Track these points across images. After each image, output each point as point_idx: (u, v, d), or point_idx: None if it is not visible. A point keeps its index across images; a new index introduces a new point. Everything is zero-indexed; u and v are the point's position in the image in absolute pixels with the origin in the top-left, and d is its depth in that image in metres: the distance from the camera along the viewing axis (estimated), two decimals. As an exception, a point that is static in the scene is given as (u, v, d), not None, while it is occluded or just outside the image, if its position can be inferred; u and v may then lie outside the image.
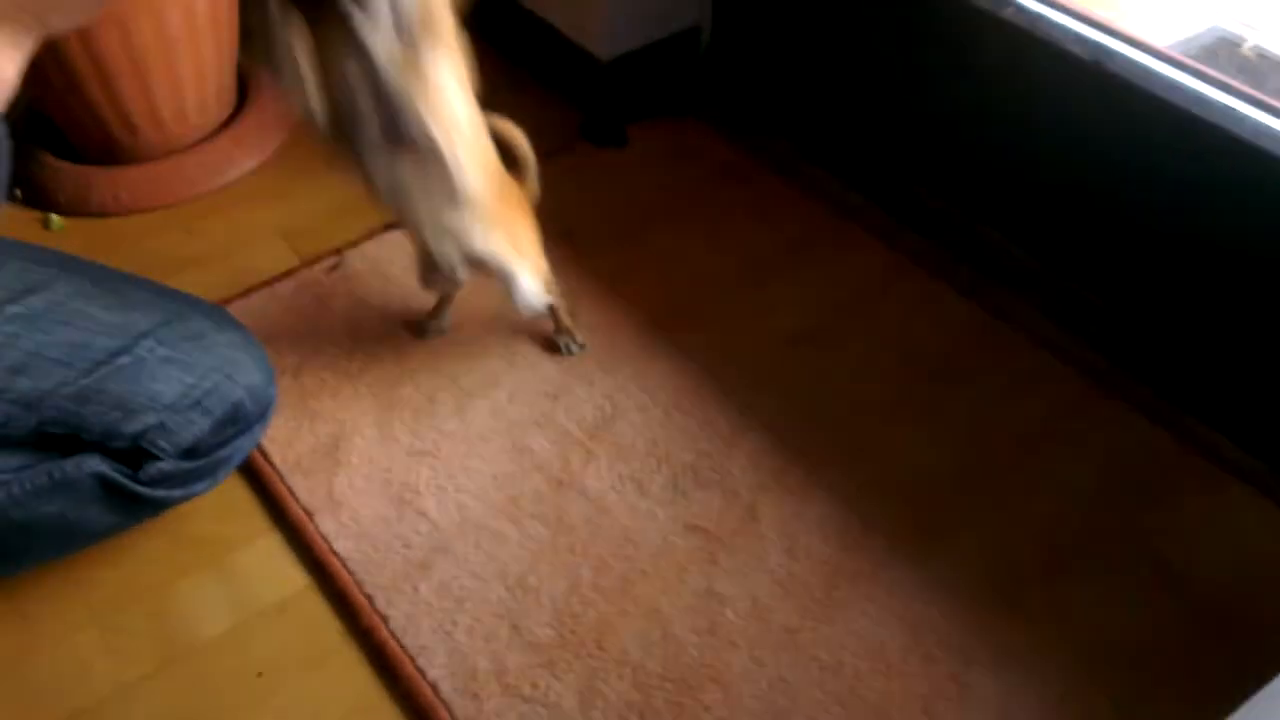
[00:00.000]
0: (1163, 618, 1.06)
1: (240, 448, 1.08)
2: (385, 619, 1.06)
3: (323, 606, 1.08)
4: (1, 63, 0.74)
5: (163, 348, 0.99)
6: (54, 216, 1.52)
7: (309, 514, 1.15)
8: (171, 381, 0.99)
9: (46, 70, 1.40)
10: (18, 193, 1.55)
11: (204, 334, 1.03)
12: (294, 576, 1.11)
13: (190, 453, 1.02)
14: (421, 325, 1.32)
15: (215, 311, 1.08)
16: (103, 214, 1.52)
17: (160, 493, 1.03)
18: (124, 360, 0.97)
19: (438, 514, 1.15)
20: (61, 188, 1.53)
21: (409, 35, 0.91)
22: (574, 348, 1.30)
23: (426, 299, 1.31)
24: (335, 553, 1.11)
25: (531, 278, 1.18)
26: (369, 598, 1.07)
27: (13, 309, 0.93)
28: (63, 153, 1.56)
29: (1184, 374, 1.23)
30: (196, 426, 1.01)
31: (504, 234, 1.13)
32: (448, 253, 1.10)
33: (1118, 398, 1.24)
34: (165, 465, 1.01)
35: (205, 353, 1.02)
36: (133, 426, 0.98)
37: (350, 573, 1.09)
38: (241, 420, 1.05)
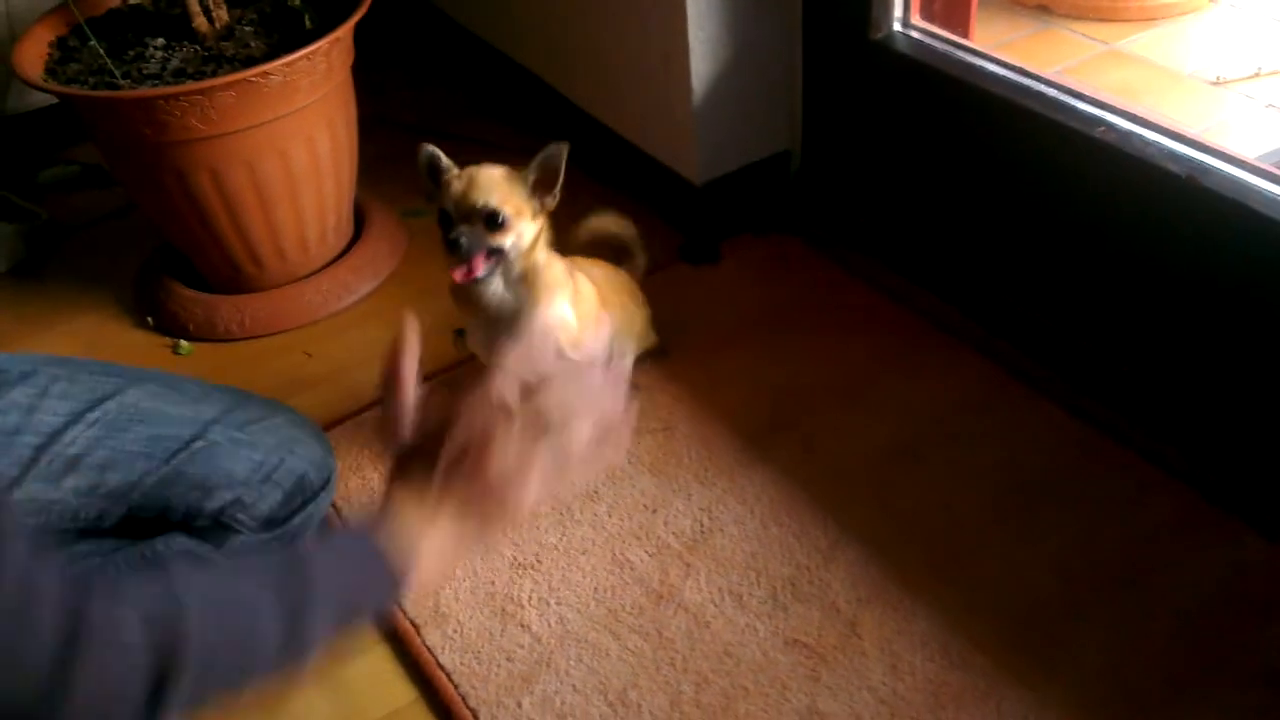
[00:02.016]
0: (1291, 743, 1.01)
1: (311, 515, 1.15)
2: (489, 733, 1.07)
3: (428, 721, 1.10)
4: (435, 575, 0.80)
5: (231, 431, 1.08)
6: (183, 342, 1.62)
7: (416, 627, 1.17)
8: (242, 460, 1.06)
9: (179, 206, 1.51)
10: (150, 320, 1.67)
11: (264, 417, 1.11)
12: (401, 690, 1.13)
13: (267, 524, 1.09)
14: None
15: (267, 400, 1.17)
16: (228, 339, 1.62)
17: None
18: (198, 445, 1.05)
19: (539, 627, 1.17)
20: (190, 315, 1.63)
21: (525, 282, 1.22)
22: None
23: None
24: (441, 666, 1.13)
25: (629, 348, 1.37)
26: (474, 712, 1.09)
27: (92, 415, 1.02)
28: (192, 282, 1.67)
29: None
30: (270, 499, 1.09)
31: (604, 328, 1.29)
32: None
33: (1227, 512, 1.21)
34: (246, 538, 1.09)
35: (268, 433, 1.10)
36: (213, 504, 1.05)
37: (455, 686, 1.11)
38: (308, 489, 1.12)
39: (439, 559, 0.80)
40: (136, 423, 1.05)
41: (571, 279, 1.25)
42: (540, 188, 1.17)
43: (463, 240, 1.13)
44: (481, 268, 1.15)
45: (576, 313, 1.24)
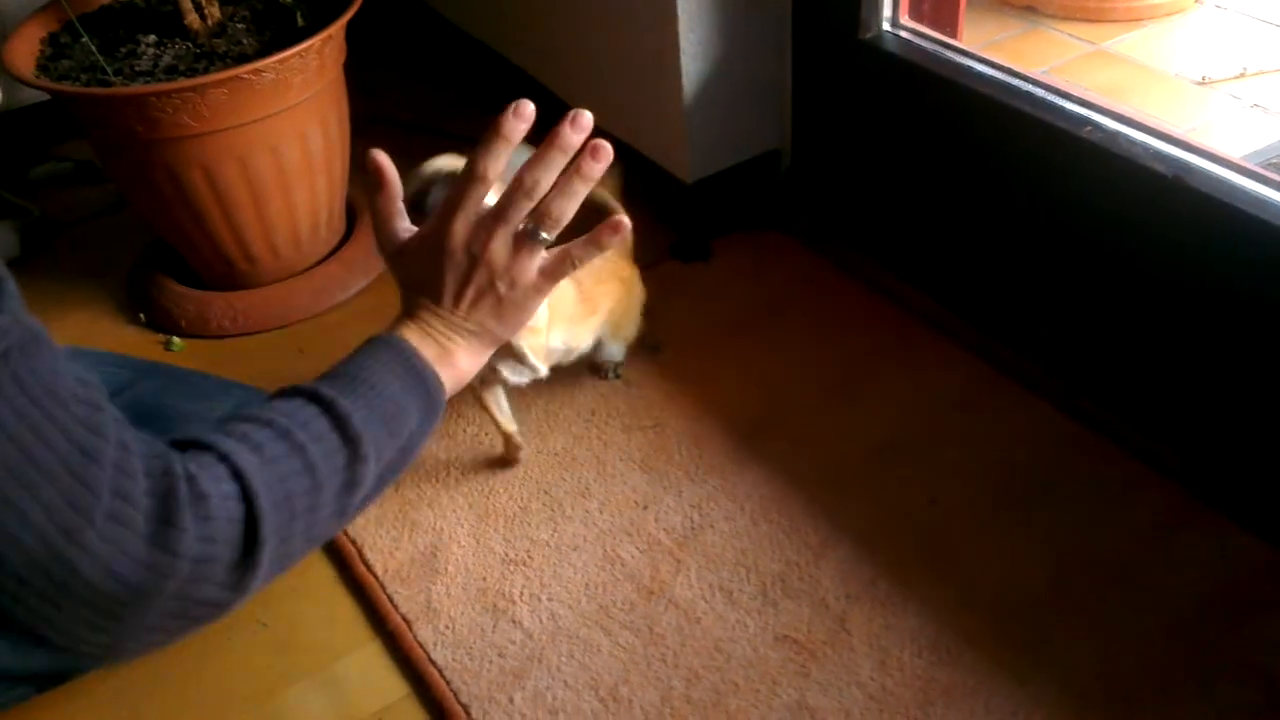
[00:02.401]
0: (1275, 737, 1.02)
1: None
2: (481, 728, 1.07)
3: (422, 716, 1.10)
4: (469, 364, 0.90)
5: None
6: (175, 339, 1.62)
7: (408, 622, 1.18)
8: None
9: (172, 203, 1.51)
10: (142, 317, 1.67)
11: None
12: (394, 685, 1.13)
13: None
14: (509, 461, 1.36)
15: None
16: (220, 335, 1.62)
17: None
18: None
19: (531, 623, 1.17)
20: (183, 311, 1.64)
21: None
22: (612, 375, 1.41)
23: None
24: (433, 661, 1.14)
25: (613, 342, 1.38)
26: (465, 708, 1.10)
27: None
28: (184, 279, 1.67)
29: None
30: None
31: (591, 320, 1.30)
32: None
33: (1219, 509, 1.22)
34: None
35: None
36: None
37: (447, 682, 1.12)
38: None
39: (464, 356, 0.88)
40: (149, 417, 1.04)
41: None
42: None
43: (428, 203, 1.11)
44: None
45: (551, 316, 1.20)
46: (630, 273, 1.38)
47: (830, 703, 1.07)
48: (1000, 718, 1.05)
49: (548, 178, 0.85)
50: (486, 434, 1.40)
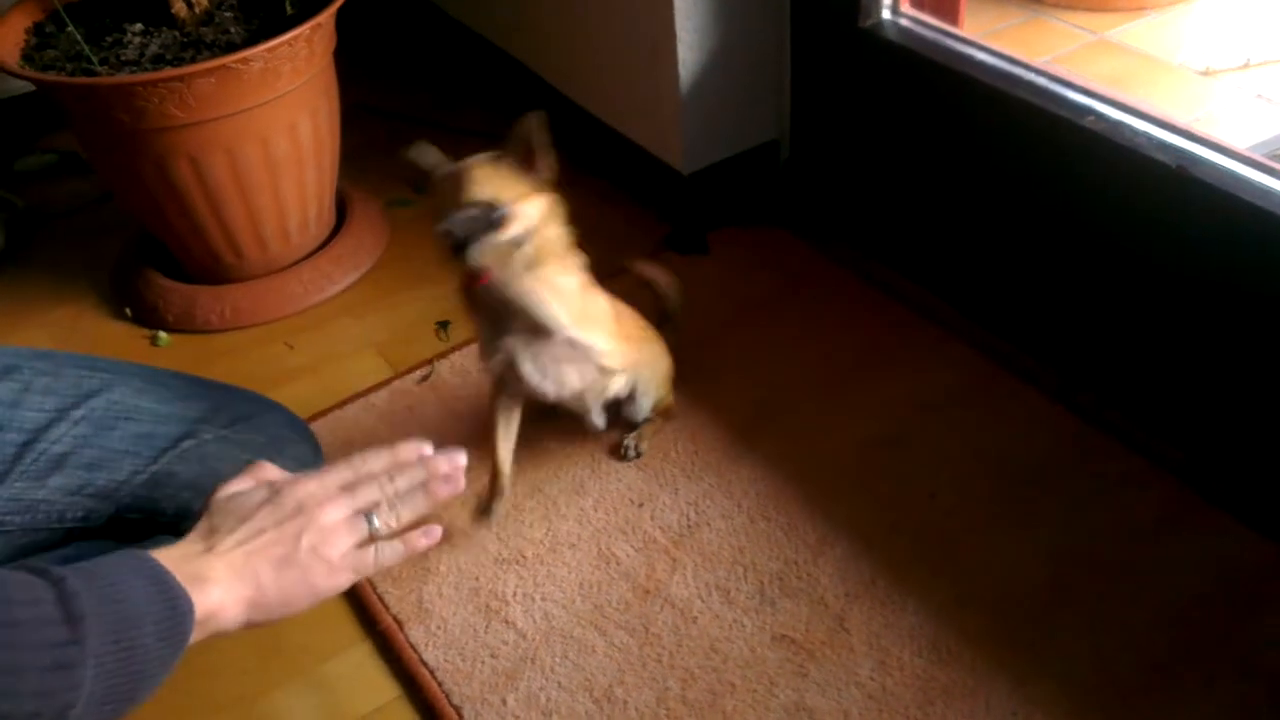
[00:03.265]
0: (1280, 738, 1.00)
1: None
2: (473, 730, 1.06)
3: (413, 718, 1.08)
4: (225, 598, 0.79)
5: (220, 430, 1.06)
6: (161, 334, 1.60)
7: (399, 623, 1.16)
8: (232, 460, 1.04)
9: (158, 195, 1.49)
10: (128, 311, 1.64)
11: (251, 415, 1.09)
12: (385, 687, 1.12)
13: None
14: (485, 506, 1.27)
15: (255, 396, 1.15)
16: (207, 330, 1.60)
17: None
18: (187, 444, 1.04)
19: (524, 623, 1.15)
20: (169, 306, 1.61)
21: (532, 263, 1.10)
22: (633, 454, 1.32)
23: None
24: (424, 663, 1.12)
25: (643, 398, 1.32)
26: (457, 709, 1.08)
27: (77, 413, 1.00)
28: (171, 273, 1.65)
29: (1290, 479, 1.19)
30: None
31: (631, 359, 1.25)
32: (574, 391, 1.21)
33: (1221, 506, 1.20)
34: None
35: (256, 432, 1.08)
36: (203, 505, 1.03)
37: (439, 683, 1.10)
38: None
39: (221, 590, 0.78)
40: (124, 420, 1.03)
41: (580, 279, 1.15)
42: (528, 164, 1.08)
43: (470, 254, 1.04)
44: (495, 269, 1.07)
45: (592, 304, 1.16)
46: (657, 337, 1.33)
47: (829, 703, 1.05)
48: (1000, 717, 1.03)
49: (404, 481, 0.86)
50: (480, 434, 1.37)
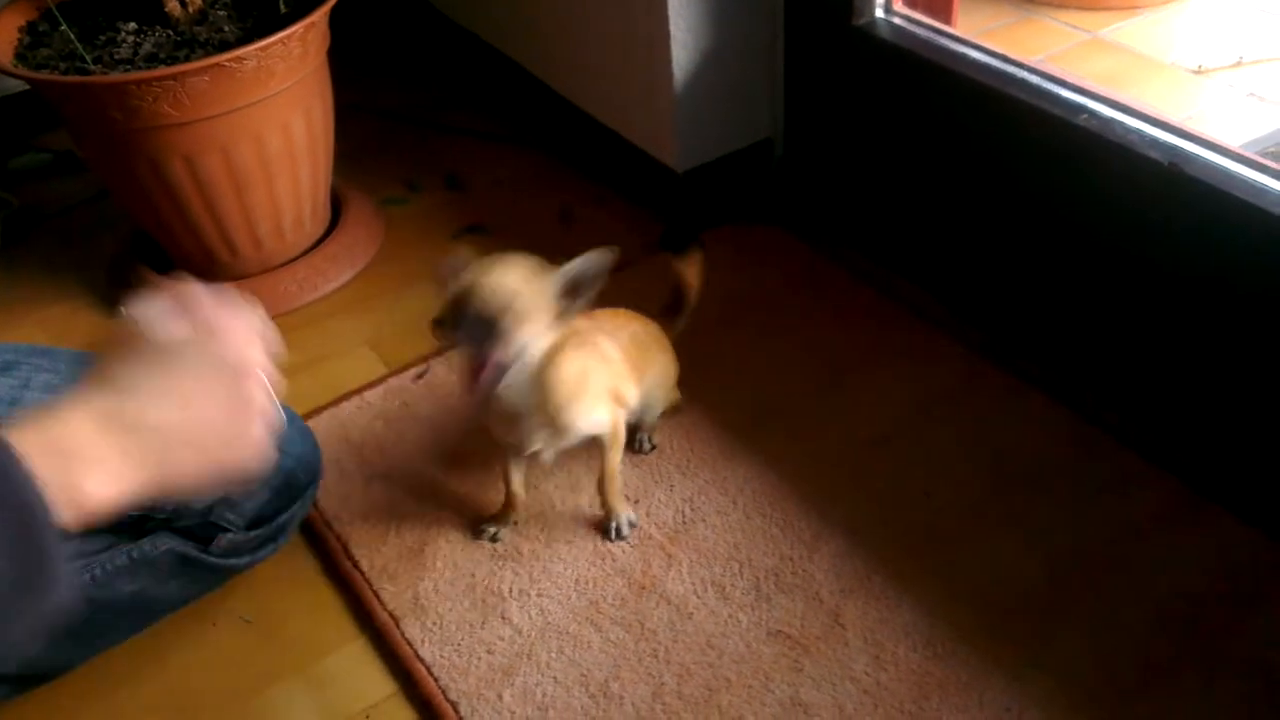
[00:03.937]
0: (1274, 732, 1.01)
1: (296, 514, 1.16)
2: (469, 726, 1.06)
3: (409, 713, 1.08)
4: (98, 483, 0.59)
5: None
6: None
7: (395, 619, 1.16)
8: None
9: (152, 193, 1.49)
10: (123, 309, 1.64)
11: None
12: (381, 683, 1.12)
13: (254, 522, 1.11)
14: (482, 526, 1.25)
15: None
16: (203, 328, 1.59)
17: (231, 561, 1.13)
18: None
19: (520, 618, 1.15)
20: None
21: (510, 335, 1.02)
22: (648, 446, 1.33)
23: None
24: (421, 658, 1.12)
25: (655, 406, 1.31)
26: (454, 705, 1.08)
27: None
28: (166, 270, 1.64)
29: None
30: (258, 498, 1.10)
31: (647, 375, 1.25)
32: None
33: (1218, 503, 1.20)
34: (234, 536, 1.11)
35: None
36: (201, 503, 1.04)
37: (435, 679, 1.10)
38: (295, 488, 1.14)
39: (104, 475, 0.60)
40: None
41: (595, 354, 1.14)
42: (573, 293, 1.03)
43: (461, 326, 1.00)
44: (488, 375, 1.02)
45: (596, 384, 1.15)
46: (665, 339, 1.32)
47: (824, 698, 1.06)
48: (995, 712, 1.03)
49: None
50: (475, 432, 1.38)
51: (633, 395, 1.22)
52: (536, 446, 1.16)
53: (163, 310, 0.69)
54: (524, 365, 1.04)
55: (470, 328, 1.00)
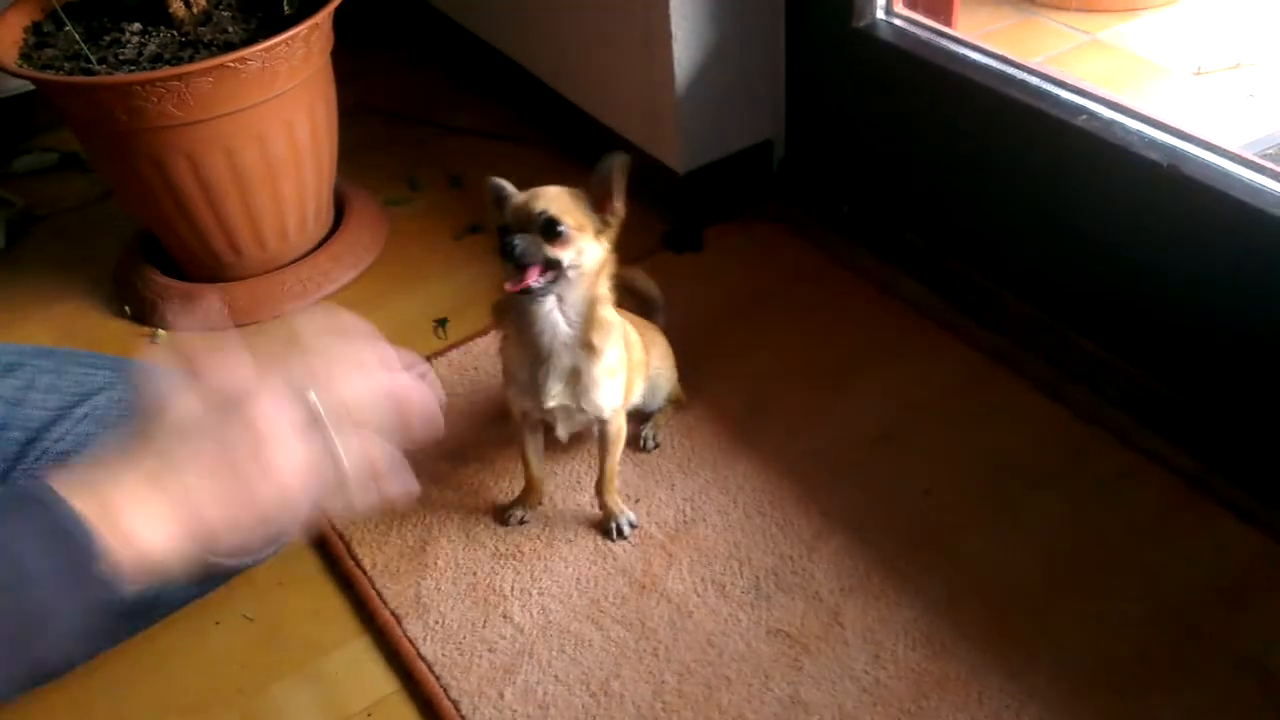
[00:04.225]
0: (1269, 730, 1.01)
1: None
2: (471, 724, 1.06)
3: (411, 711, 1.09)
4: (145, 528, 0.60)
5: None
6: (160, 331, 1.60)
7: (397, 617, 1.17)
8: None
9: (157, 194, 1.49)
10: (127, 309, 1.65)
11: None
12: (383, 681, 1.12)
13: None
14: (508, 512, 1.27)
15: None
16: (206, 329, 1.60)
17: (234, 561, 1.11)
18: None
19: (521, 617, 1.16)
20: (169, 305, 1.62)
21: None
22: (651, 444, 1.34)
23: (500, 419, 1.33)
24: (422, 657, 1.13)
25: (657, 398, 1.34)
26: (455, 703, 1.08)
27: (80, 411, 1.00)
28: (170, 271, 1.65)
29: (1278, 474, 1.19)
30: None
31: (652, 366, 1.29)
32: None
33: (1210, 500, 1.21)
34: None
35: None
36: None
37: (437, 677, 1.11)
38: None
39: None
40: (126, 418, 1.03)
41: (621, 324, 1.17)
42: (601, 205, 1.08)
43: (516, 244, 1.02)
44: (535, 278, 1.04)
45: (627, 346, 1.18)
46: (661, 337, 1.35)
47: (823, 696, 1.06)
48: (994, 710, 1.04)
49: (366, 391, 0.67)
50: (477, 430, 1.38)
51: (639, 391, 1.25)
52: (551, 402, 1.14)
53: (174, 381, 0.66)
54: (581, 274, 1.07)
55: (531, 240, 1.03)
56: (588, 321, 1.10)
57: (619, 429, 1.21)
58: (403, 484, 0.65)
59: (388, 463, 0.64)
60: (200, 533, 0.61)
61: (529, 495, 1.27)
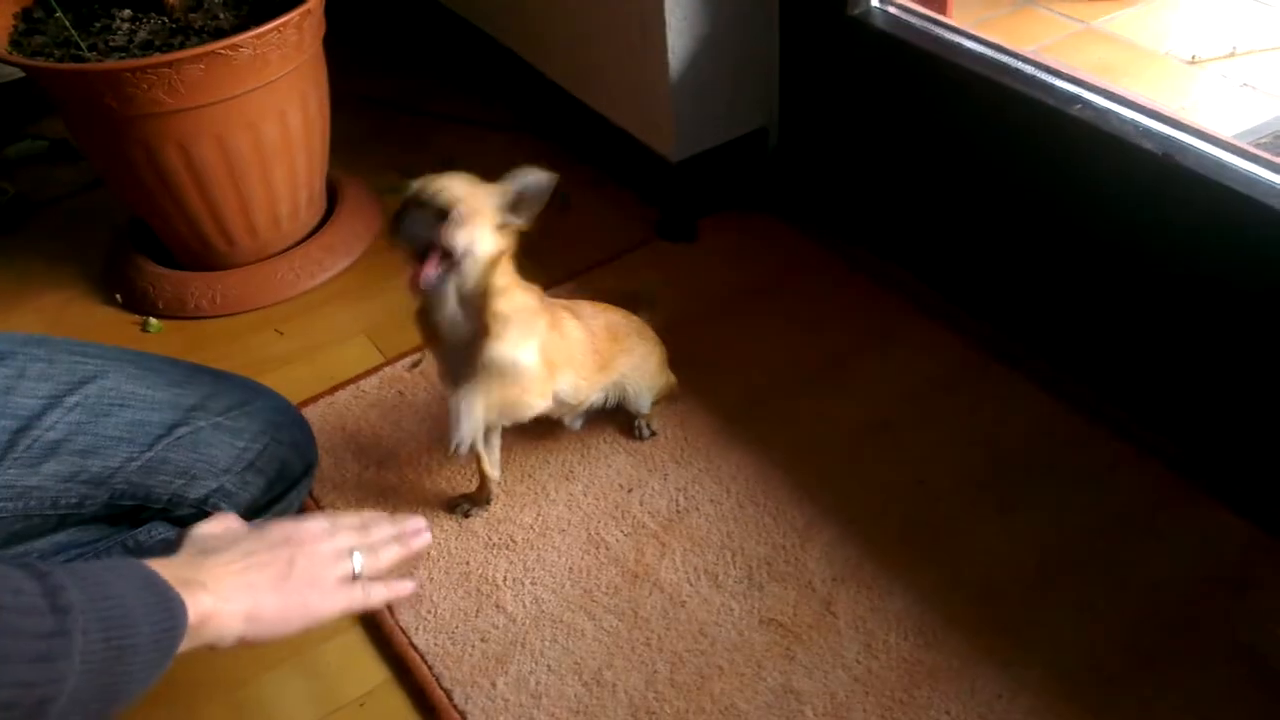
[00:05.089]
0: (1257, 717, 1.01)
1: (291, 501, 1.15)
2: (464, 715, 1.06)
3: (403, 701, 1.09)
4: (219, 605, 0.80)
5: (214, 417, 1.07)
6: (152, 320, 1.60)
7: (389, 607, 1.16)
8: (225, 447, 1.06)
9: (148, 181, 1.48)
10: (118, 297, 1.64)
11: (246, 402, 1.10)
12: (375, 671, 1.12)
13: (250, 511, 1.09)
14: (457, 504, 1.27)
15: (248, 383, 1.15)
16: (198, 316, 1.59)
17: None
18: (181, 431, 1.04)
19: (514, 607, 1.16)
20: (160, 293, 1.61)
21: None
22: (646, 433, 1.34)
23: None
24: (414, 646, 1.13)
25: (642, 396, 1.31)
26: (447, 692, 1.08)
27: (72, 399, 1.00)
28: (162, 259, 1.65)
29: (1270, 466, 1.20)
30: (253, 486, 1.09)
31: (600, 378, 1.25)
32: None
33: (1201, 489, 1.21)
34: None
35: (250, 419, 1.09)
36: (196, 492, 1.05)
37: (429, 667, 1.11)
38: (290, 476, 1.13)
39: (212, 597, 0.79)
40: (118, 407, 1.03)
41: (548, 316, 1.14)
42: (516, 209, 1.06)
43: (404, 221, 1.02)
44: (432, 269, 1.03)
45: (550, 355, 1.14)
46: (649, 331, 1.32)
47: (815, 685, 1.06)
48: (985, 700, 1.04)
49: (378, 533, 0.93)
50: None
51: (574, 385, 1.20)
52: (470, 393, 1.10)
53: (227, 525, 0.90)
54: (474, 261, 1.05)
55: (423, 220, 1.02)
56: (483, 313, 1.08)
57: (532, 378, 1.14)
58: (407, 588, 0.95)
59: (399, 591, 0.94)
60: (252, 626, 0.82)
61: (481, 493, 1.26)
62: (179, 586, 0.76)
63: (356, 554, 0.89)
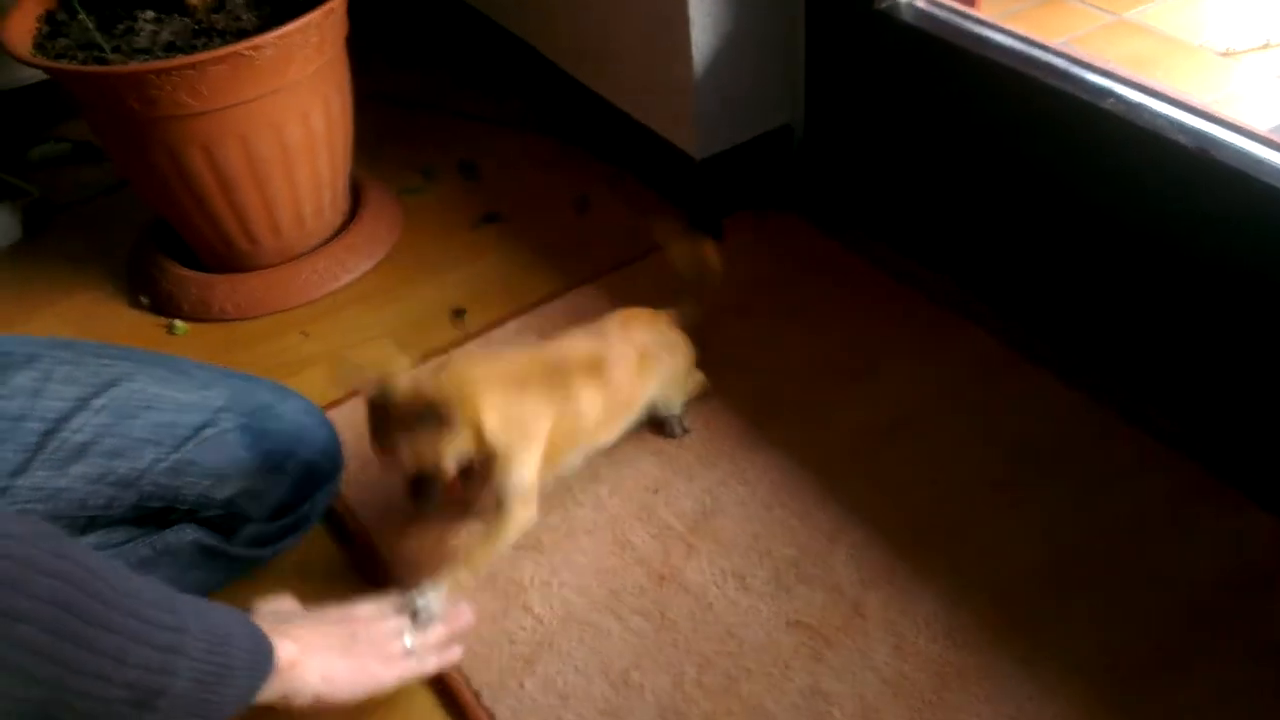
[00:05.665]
0: (1294, 720, 1.00)
1: (319, 502, 1.16)
2: (492, 715, 1.06)
3: (431, 702, 1.09)
4: (304, 671, 0.90)
5: (241, 419, 1.08)
6: (178, 322, 1.60)
7: (416, 609, 1.16)
8: (253, 449, 1.07)
9: (171, 183, 1.49)
10: (143, 300, 1.65)
11: (273, 404, 1.11)
12: (402, 672, 1.12)
13: (277, 512, 1.11)
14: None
15: (274, 385, 1.15)
16: (223, 319, 1.60)
17: (254, 552, 1.13)
18: (209, 433, 1.05)
19: (542, 609, 1.16)
20: (185, 295, 1.61)
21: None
22: (679, 430, 1.33)
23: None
24: (442, 648, 1.12)
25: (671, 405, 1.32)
26: (476, 694, 1.08)
27: (99, 402, 1.01)
28: (186, 261, 1.65)
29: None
30: (280, 488, 1.10)
31: (627, 415, 1.25)
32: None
33: (1234, 486, 1.20)
34: (256, 527, 1.11)
35: (277, 420, 1.09)
36: (224, 493, 1.05)
37: (458, 667, 1.10)
38: (317, 478, 1.14)
39: (296, 645, 0.88)
40: (145, 409, 1.03)
41: (560, 392, 1.13)
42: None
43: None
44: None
45: (601, 401, 1.16)
46: (676, 336, 1.30)
47: (844, 687, 1.05)
48: (1016, 701, 1.03)
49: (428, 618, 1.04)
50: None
51: (576, 455, 1.20)
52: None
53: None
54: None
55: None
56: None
57: (516, 514, 1.14)
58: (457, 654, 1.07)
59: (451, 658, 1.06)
60: (327, 686, 0.91)
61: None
62: (267, 631, 0.85)
63: (407, 636, 1.00)
